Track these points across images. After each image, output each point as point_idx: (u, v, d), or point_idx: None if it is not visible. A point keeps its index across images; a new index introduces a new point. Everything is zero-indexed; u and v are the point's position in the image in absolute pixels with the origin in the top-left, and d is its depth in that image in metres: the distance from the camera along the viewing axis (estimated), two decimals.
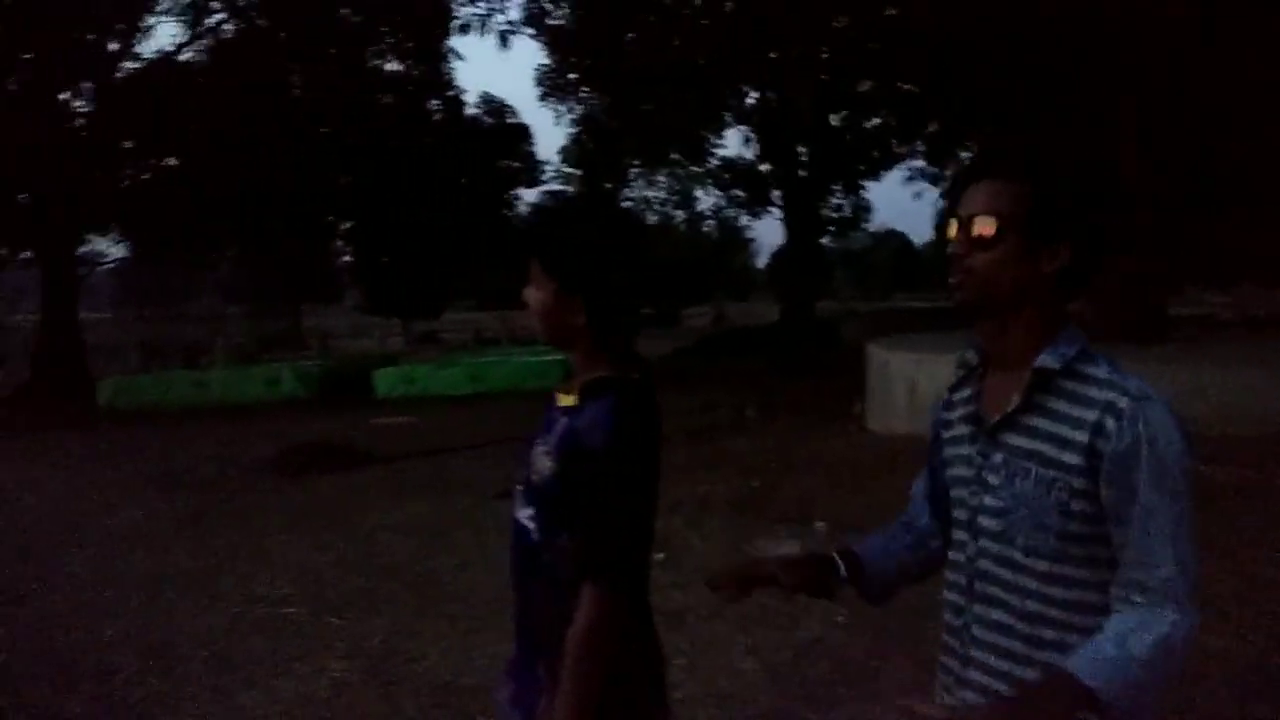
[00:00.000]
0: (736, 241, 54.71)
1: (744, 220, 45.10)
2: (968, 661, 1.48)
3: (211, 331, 33.23)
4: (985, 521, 1.45)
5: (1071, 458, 1.35)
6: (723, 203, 39.29)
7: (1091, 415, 1.34)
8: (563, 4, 18.96)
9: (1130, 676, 1.24)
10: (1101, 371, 1.39)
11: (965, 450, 1.50)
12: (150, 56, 20.21)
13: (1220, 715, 3.43)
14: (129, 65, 20.12)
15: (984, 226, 1.41)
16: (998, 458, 1.44)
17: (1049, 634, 1.39)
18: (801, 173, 21.50)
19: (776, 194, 23.55)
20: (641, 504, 1.64)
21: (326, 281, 42.27)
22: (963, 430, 1.52)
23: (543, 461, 1.65)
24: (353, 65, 21.41)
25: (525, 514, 1.69)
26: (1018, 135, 19.12)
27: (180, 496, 8.47)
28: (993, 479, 1.44)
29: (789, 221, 22.57)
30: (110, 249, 24.48)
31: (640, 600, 1.70)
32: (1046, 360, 1.40)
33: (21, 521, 7.70)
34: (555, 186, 29.10)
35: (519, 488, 1.73)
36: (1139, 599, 1.31)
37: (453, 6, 20.83)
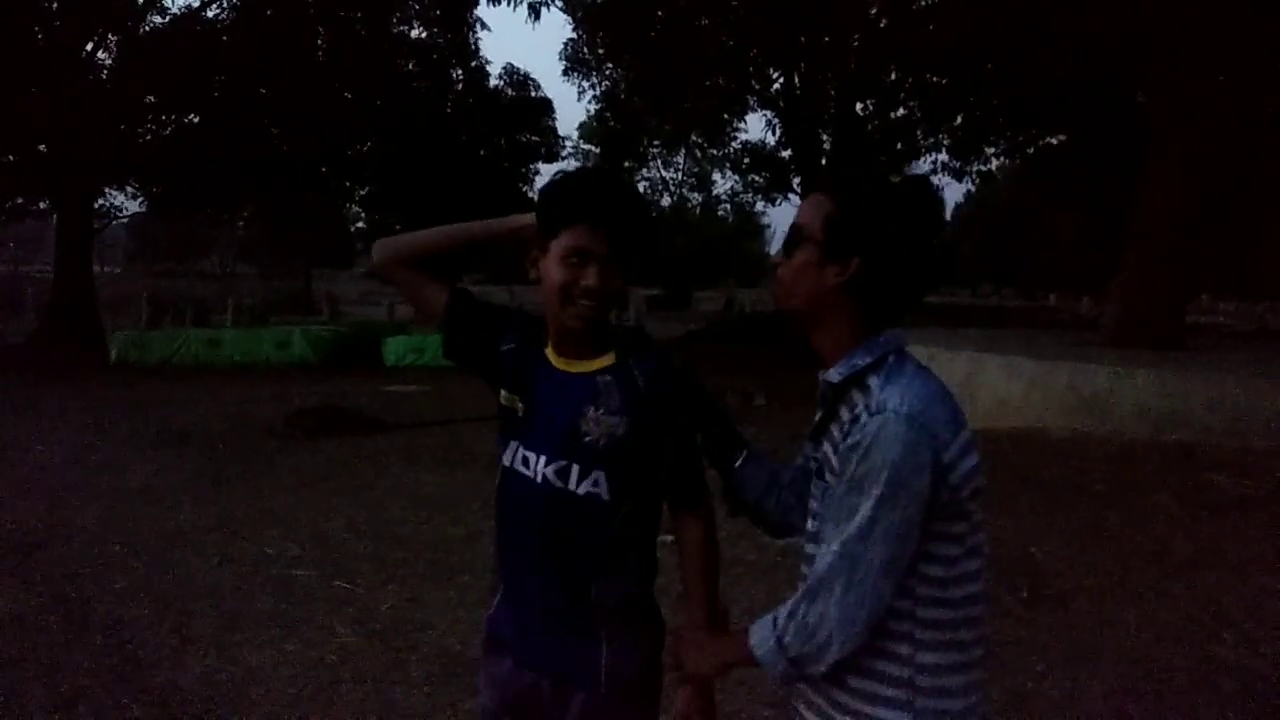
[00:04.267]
0: (751, 226, 54.58)
1: (760, 206, 45.11)
2: None
3: (223, 290, 33.32)
4: (808, 523, 1.53)
5: (835, 464, 1.44)
6: (740, 187, 39.14)
7: (848, 424, 1.42)
8: None
9: (776, 648, 1.41)
10: (876, 383, 1.42)
11: (808, 452, 1.60)
12: (176, 12, 20.15)
13: None
14: (155, 20, 20.06)
15: (789, 236, 1.51)
16: (813, 463, 1.54)
17: None
18: (823, 161, 21.32)
19: (796, 181, 23.40)
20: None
21: (339, 246, 42.33)
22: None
23: (607, 423, 1.66)
24: (378, 30, 21.29)
25: (589, 482, 1.68)
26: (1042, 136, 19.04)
27: (191, 454, 8.50)
28: (814, 483, 1.52)
29: None
30: (126, 203, 24.50)
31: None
32: (830, 373, 1.49)
33: (33, 471, 7.74)
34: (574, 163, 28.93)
35: (561, 462, 1.70)
36: (804, 583, 1.44)
37: None
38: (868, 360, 1.44)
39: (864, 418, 1.38)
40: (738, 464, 1.75)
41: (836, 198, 1.47)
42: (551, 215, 1.67)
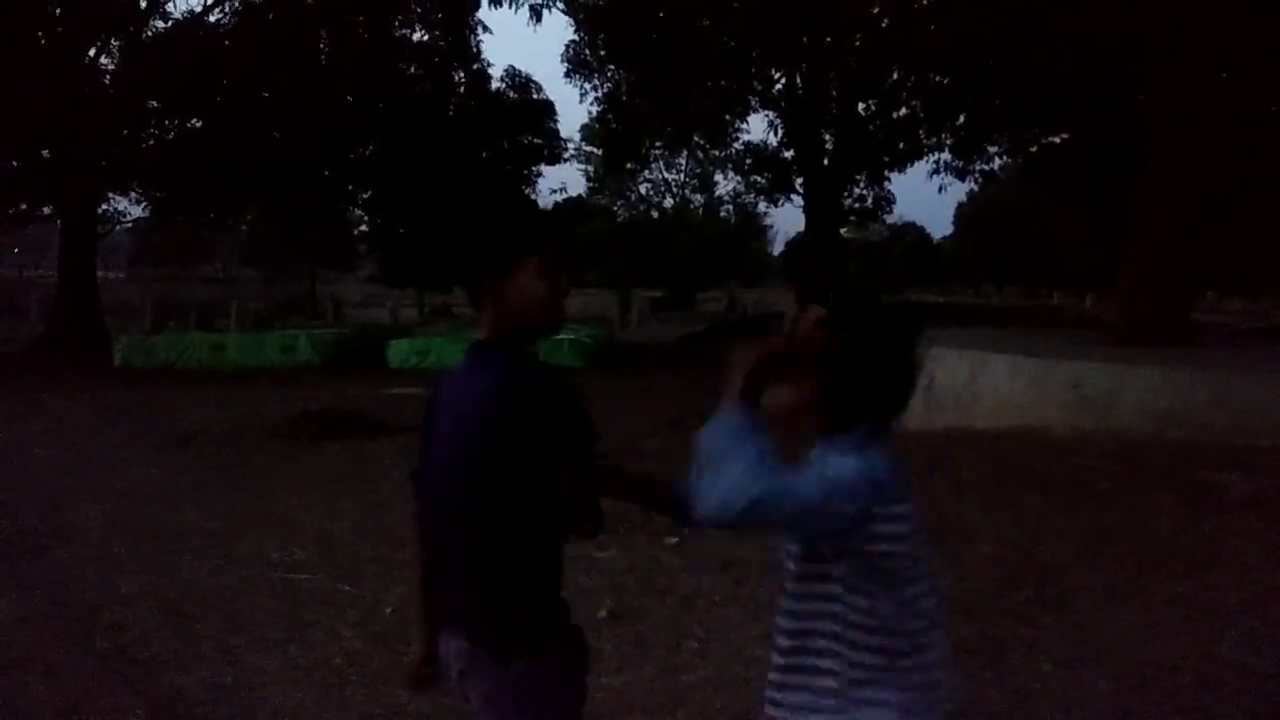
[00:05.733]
0: (753, 227, 54.54)
1: (762, 206, 45.05)
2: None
3: (226, 294, 33.37)
4: (790, 564, 1.71)
5: None
6: (742, 188, 39.07)
7: None
8: None
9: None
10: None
11: None
12: (179, 16, 20.21)
13: None
14: (158, 24, 20.10)
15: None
16: None
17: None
18: (825, 161, 21.32)
19: (798, 181, 23.40)
20: None
21: (342, 249, 42.36)
22: None
23: None
24: (380, 33, 21.32)
25: None
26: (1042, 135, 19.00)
27: (195, 457, 8.51)
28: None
29: (809, 209, 22.43)
30: (130, 208, 24.56)
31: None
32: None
33: (38, 475, 7.75)
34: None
35: None
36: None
37: None
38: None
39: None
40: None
41: (828, 318, 1.64)
42: (524, 239, 1.91)
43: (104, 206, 22.80)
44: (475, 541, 1.90)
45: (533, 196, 30.49)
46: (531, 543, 1.89)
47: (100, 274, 23.75)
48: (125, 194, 22.88)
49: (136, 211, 24.78)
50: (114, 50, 19.77)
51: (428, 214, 26.75)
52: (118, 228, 26.77)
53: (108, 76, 19.41)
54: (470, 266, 1.93)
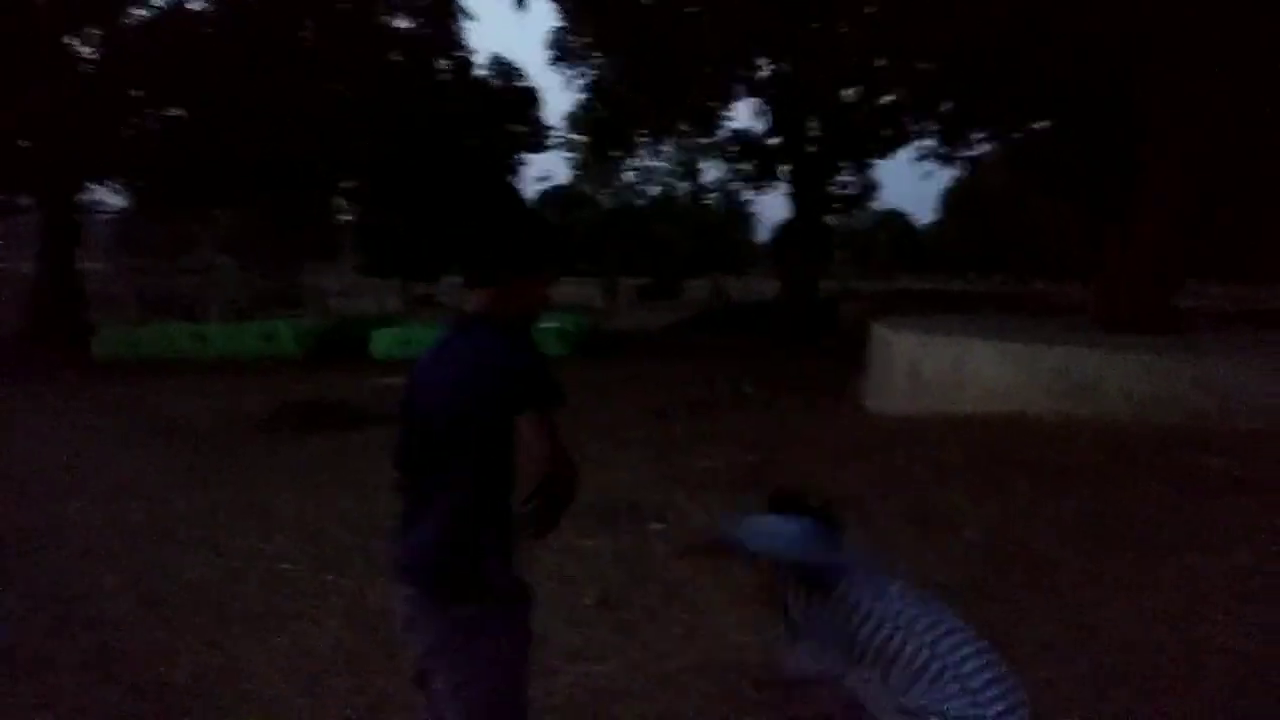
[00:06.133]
0: (739, 215, 54.47)
1: (748, 194, 44.96)
2: None
3: (207, 285, 33.15)
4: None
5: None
6: (728, 176, 38.95)
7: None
8: None
9: None
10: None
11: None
12: (160, 4, 19.91)
13: (1220, 710, 3.43)
14: (138, 11, 19.81)
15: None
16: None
17: None
18: (810, 148, 21.29)
19: (784, 169, 23.37)
20: None
21: (325, 240, 42.08)
22: None
23: None
24: (363, 20, 21.11)
25: None
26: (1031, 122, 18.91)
27: (178, 449, 8.45)
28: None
29: (795, 197, 22.41)
30: (109, 198, 24.27)
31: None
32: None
33: (20, 468, 7.68)
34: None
35: None
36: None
37: None
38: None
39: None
40: None
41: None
42: (543, 258, 2.21)
43: (83, 196, 22.50)
44: (438, 494, 2.04)
45: (518, 185, 30.37)
46: (489, 500, 2.05)
47: (79, 264, 23.45)
48: (105, 184, 22.57)
49: (116, 202, 24.51)
50: (94, 39, 19.48)
51: (413, 203, 26.63)
52: (96, 218, 26.44)
53: (88, 65, 19.14)
54: (492, 267, 2.15)
